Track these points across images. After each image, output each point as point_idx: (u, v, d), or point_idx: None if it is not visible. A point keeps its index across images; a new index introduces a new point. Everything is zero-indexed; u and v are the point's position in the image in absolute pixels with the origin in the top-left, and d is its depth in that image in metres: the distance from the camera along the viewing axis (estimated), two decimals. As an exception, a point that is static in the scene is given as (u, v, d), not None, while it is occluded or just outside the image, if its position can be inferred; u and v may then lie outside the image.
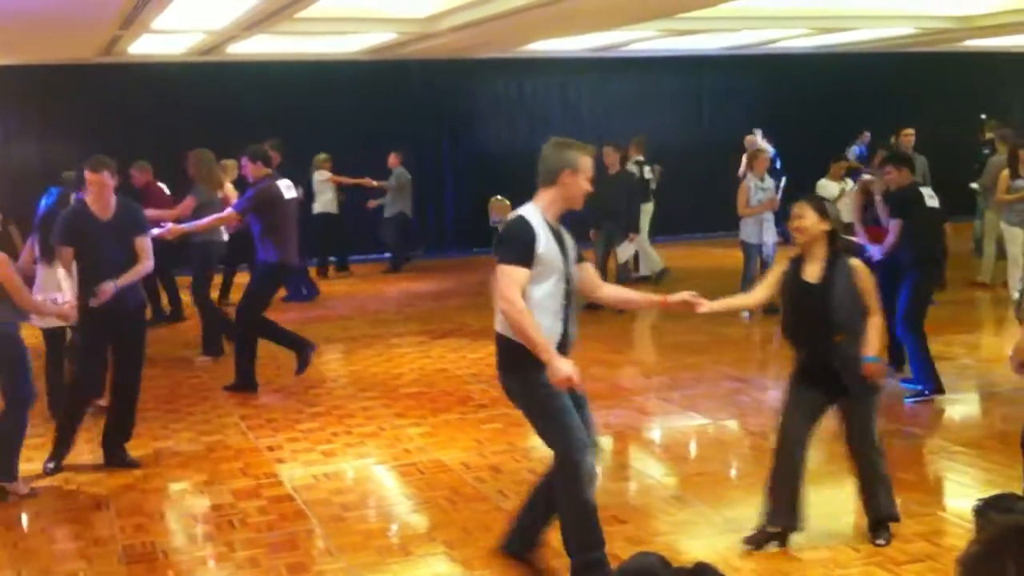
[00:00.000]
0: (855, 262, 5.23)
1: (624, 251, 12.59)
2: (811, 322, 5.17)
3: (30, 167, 16.27)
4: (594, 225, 12.45)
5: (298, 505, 6.26)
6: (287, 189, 9.10)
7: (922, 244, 8.07)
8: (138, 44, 14.18)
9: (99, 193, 6.79)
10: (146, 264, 6.95)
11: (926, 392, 7.96)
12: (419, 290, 14.31)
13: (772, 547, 5.33)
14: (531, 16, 12.45)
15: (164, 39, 13.98)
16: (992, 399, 8.29)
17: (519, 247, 4.58)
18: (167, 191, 11.86)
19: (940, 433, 7.37)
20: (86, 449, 7.43)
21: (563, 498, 4.79)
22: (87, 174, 6.82)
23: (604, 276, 11.67)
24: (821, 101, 19.06)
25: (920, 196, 8.20)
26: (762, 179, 11.54)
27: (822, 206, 5.23)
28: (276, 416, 8.16)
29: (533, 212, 4.72)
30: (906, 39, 17.27)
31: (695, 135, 18.92)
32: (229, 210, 9.39)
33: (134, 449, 7.27)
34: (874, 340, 5.19)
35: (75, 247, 6.80)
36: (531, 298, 4.57)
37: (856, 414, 5.35)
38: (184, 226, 9.27)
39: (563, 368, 4.53)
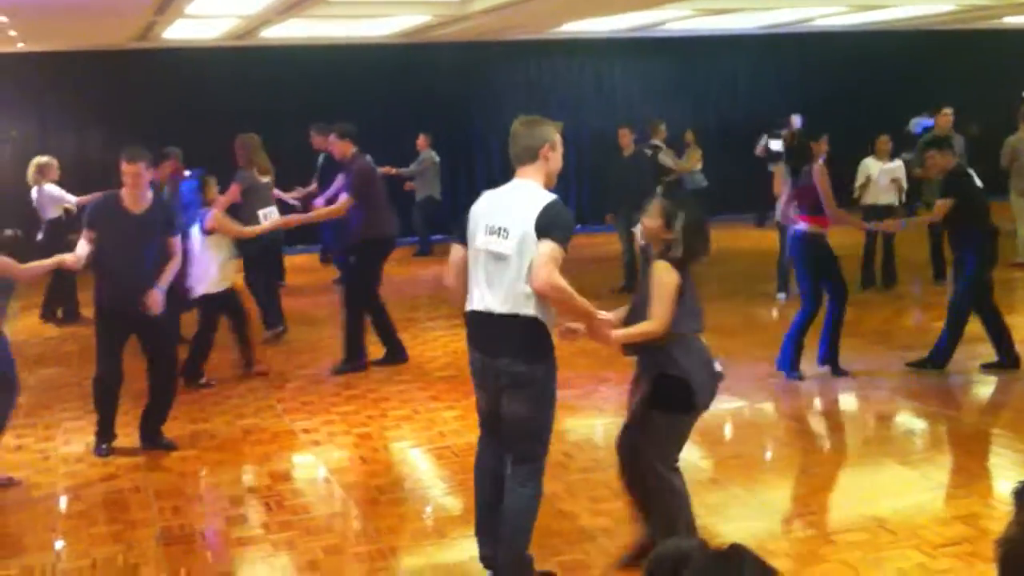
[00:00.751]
0: (657, 263, 4.72)
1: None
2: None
3: (66, 153, 16.38)
4: (612, 208, 12.41)
5: (334, 487, 6.30)
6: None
7: (979, 223, 8.02)
8: (173, 29, 14.26)
9: (134, 184, 6.82)
10: (176, 261, 6.99)
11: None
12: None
13: (805, 529, 5.31)
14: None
15: (199, 24, 14.04)
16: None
17: (570, 231, 4.50)
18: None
19: (977, 415, 7.30)
20: (122, 433, 7.50)
21: (532, 492, 4.67)
22: (123, 164, 6.82)
23: (633, 258, 11.66)
24: (858, 80, 18.86)
25: (969, 175, 8.16)
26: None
27: (673, 212, 4.72)
28: (312, 399, 8.21)
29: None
30: (945, 16, 17.04)
31: (731, 117, 18.77)
32: (343, 196, 9.14)
33: (170, 431, 7.34)
34: (629, 332, 4.79)
35: (98, 234, 6.80)
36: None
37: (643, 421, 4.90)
38: (300, 216, 9.51)
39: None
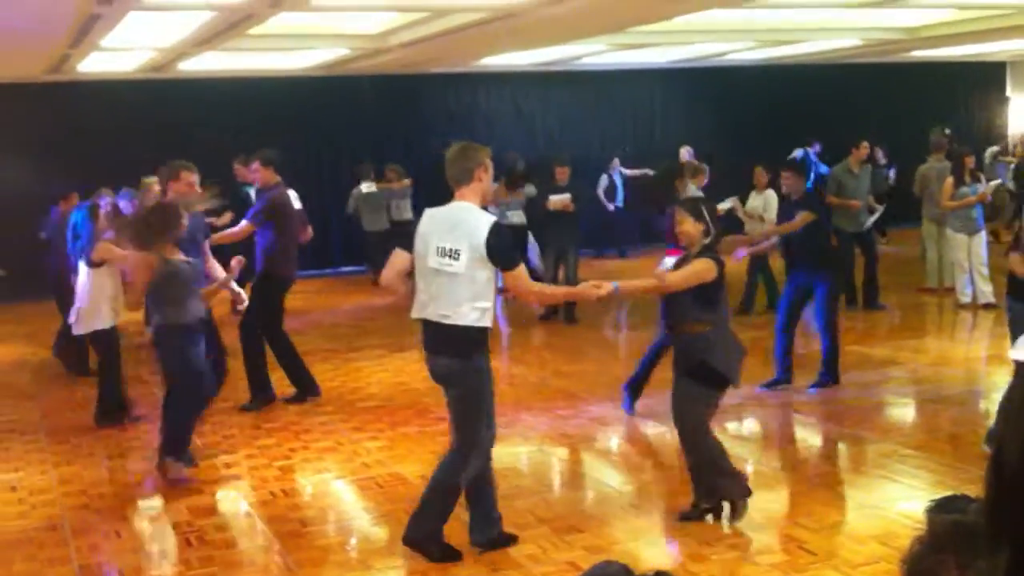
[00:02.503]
0: (699, 258, 5.59)
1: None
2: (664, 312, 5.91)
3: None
4: (543, 240, 12.54)
5: (255, 521, 6.24)
6: (294, 199, 9.07)
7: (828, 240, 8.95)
8: (88, 62, 14.07)
9: (188, 195, 6.95)
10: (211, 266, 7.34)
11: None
12: (375, 304, 14.27)
13: (727, 552, 5.40)
14: (481, 32, 12.50)
15: (114, 57, 13.88)
16: (941, 402, 8.42)
17: (515, 248, 5.40)
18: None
19: (891, 436, 7.47)
20: (37, 470, 7.36)
21: (451, 478, 5.31)
22: (185, 175, 7.04)
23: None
24: (772, 112, 19.29)
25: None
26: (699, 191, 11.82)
27: (697, 209, 5.70)
28: (232, 432, 8.11)
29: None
30: (852, 50, 17.52)
31: (648, 147, 19.06)
32: (243, 222, 8.94)
33: (86, 468, 7.23)
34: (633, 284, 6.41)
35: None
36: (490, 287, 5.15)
37: (678, 395, 5.82)
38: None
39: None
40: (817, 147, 17.25)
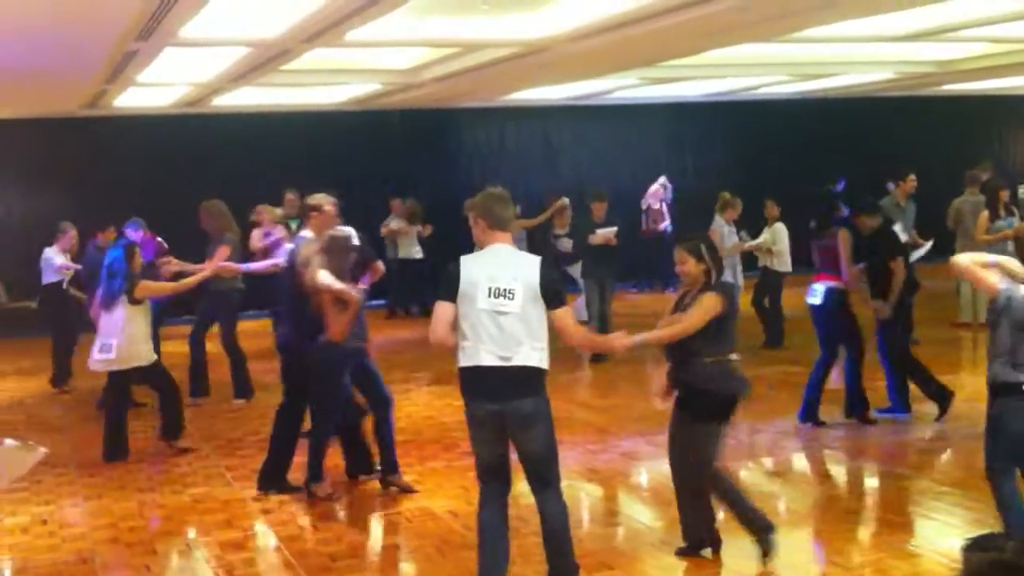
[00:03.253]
0: (705, 294, 5.60)
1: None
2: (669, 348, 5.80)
3: (13, 219, 16.29)
4: (584, 274, 12.45)
5: (285, 556, 6.22)
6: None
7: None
8: (124, 97, 14.25)
9: (327, 223, 7.20)
10: None
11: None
12: (401, 337, 14.27)
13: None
14: (512, 67, 12.58)
15: (150, 92, 14.06)
16: (977, 439, 8.24)
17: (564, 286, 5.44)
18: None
19: (926, 473, 7.37)
20: (68, 503, 7.39)
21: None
22: (329, 207, 7.26)
23: (605, 324, 11.76)
24: (804, 145, 19.24)
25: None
26: (731, 223, 11.78)
27: (698, 249, 5.66)
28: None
29: None
30: (885, 84, 17.47)
31: (679, 181, 19.02)
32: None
33: (117, 501, 7.27)
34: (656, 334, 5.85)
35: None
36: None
37: (687, 433, 5.74)
38: (241, 266, 9.46)
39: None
40: (842, 184, 17.01)
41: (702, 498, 5.78)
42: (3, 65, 11.06)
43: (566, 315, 5.16)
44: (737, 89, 17.74)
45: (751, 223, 12.39)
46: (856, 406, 8.54)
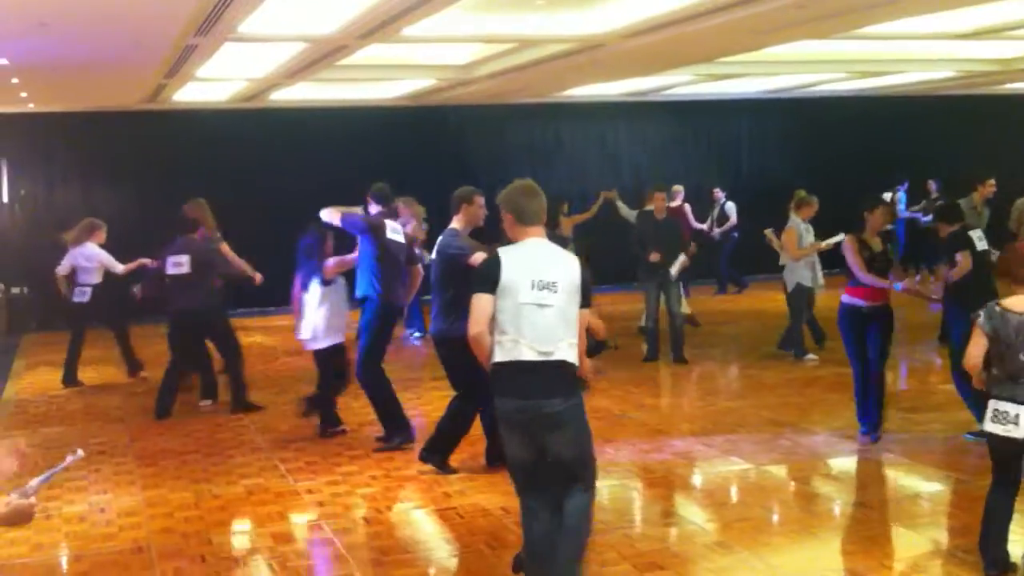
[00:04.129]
0: None
1: (683, 300, 12.15)
2: None
3: (74, 212, 16.52)
4: (643, 272, 11.94)
5: (338, 549, 6.25)
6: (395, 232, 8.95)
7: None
8: (182, 92, 14.42)
9: (477, 216, 7.49)
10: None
11: None
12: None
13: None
14: (567, 63, 12.55)
15: (208, 87, 14.21)
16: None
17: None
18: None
19: (986, 478, 7.22)
20: (125, 492, 7.49)
21: (590, 520, 5.18)
22: (479, 199, 7.46)
23: (656, 326, 11.68)
24: (861, 144, 19.01)
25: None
26: (807, 222, 11.53)
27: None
28: (316, 459, 8.17)
29: None
30: (946, 82, 17.22)
31: (734, 179, 18.88)
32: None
33: (172, 491, 7.35)
34: None
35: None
36: None
37: None
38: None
39: None
40: (905, 186, 16.82)
41: None
42: (67, 59, 11.23)
43: (589, 315, 5.15)
44: (794, 86, 17.57)
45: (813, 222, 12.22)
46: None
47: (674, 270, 11.49)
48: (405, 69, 13.91)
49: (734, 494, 7.26)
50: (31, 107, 15.53)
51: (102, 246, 11.58)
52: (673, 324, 11.63)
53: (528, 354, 4.84)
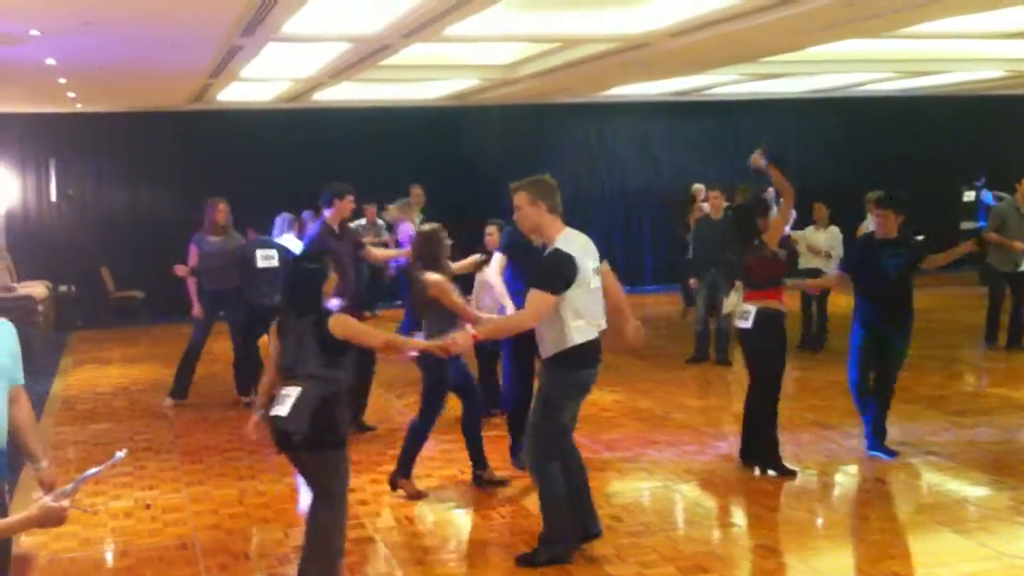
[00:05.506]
0: None
1: (730, 302, 11.99)
2: None
3: (120, 210, 16.74)
4: (694, 273, 11.89)
5: (380, 548, 6.26)
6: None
7: None
8: (227, 92, 14.53)
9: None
10: None
11: None
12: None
13: None
14: (611, 62, 12.50)
15: (252, 87, 14.30)
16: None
17: None
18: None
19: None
20: (170, 489, 7.54)
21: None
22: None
23: (706, 328, 11.60)
24: (907, 143, 18.82)
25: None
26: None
27: None
28: (359, 458, 8.17)
29: None
30: (994, 82, 16.99)
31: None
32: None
33: (217, 488, 7.40)
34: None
35: None
36: None
37: None
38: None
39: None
40: (983, 180, 16.43)
41: None
42: (113, 59, 11.35)
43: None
44: (840, 85, 17.41)
45: (849, 222, 12.10)
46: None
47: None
48: (448, 69, 13.92)
49: (779, 497, 7.20)
50: (79, 107, 15.71)
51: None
52: (719, 325, 11.55)
53: (596, 332, 5.61)
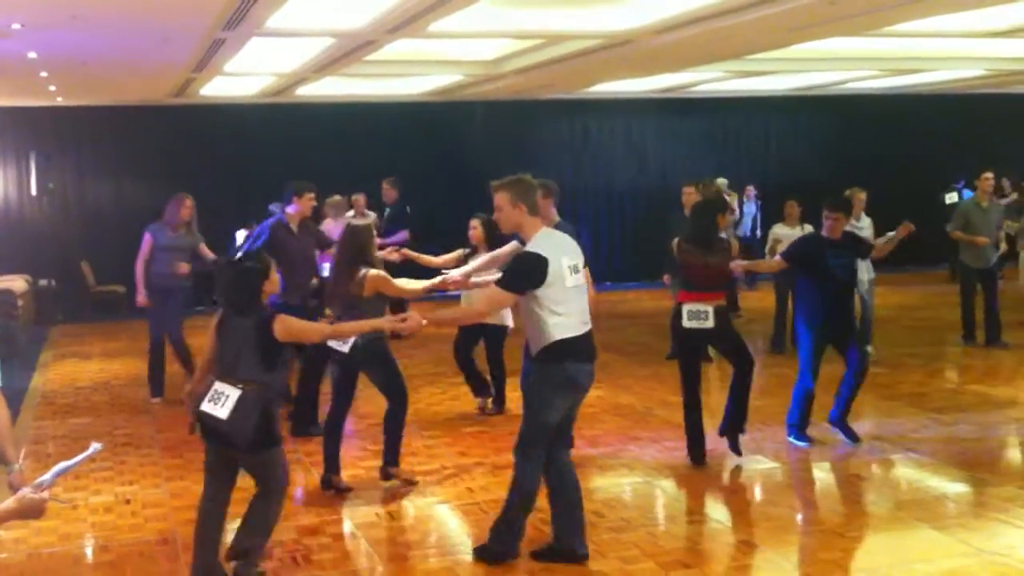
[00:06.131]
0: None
1: None
2: None
3: (104, 205, 16.67)
4: (668, 270, 11.52)
5: (361, 543, 6.26)
6: None
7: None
8: (210, 86, 14.48)
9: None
10: None
11: None
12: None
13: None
14: (596, 59, 12.52)
15: (236, 81, 14.26)
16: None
17: None
18: None
19: (1012, 480, 7.18)
20: (151, 483, 7.52)
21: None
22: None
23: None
24: (890, 141, 18.91)
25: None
26: (858, 219, 11.42)
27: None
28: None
29: None
30: (976, 80, 17.08)
31: (763, 176, 18.80)
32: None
33: (199, 483, 7.36)
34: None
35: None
36: None
37: None
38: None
39: None
40: (962, 183, 16.55)
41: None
42: (96, 53, 11.30)
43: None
44: (824, 83, 17.47)
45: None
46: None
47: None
48: (432, 65, 13.91)
49: (759, 492, 7.23)
50: (59, 101, 15.64)
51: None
52: None
53: (582, 329, 5.61)
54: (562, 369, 5.51)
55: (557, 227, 7.29)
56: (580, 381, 5.62)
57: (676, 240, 7.73)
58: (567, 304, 5.48)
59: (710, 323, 7.40)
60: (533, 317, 5.49)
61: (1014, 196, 15.56)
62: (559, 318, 5.45)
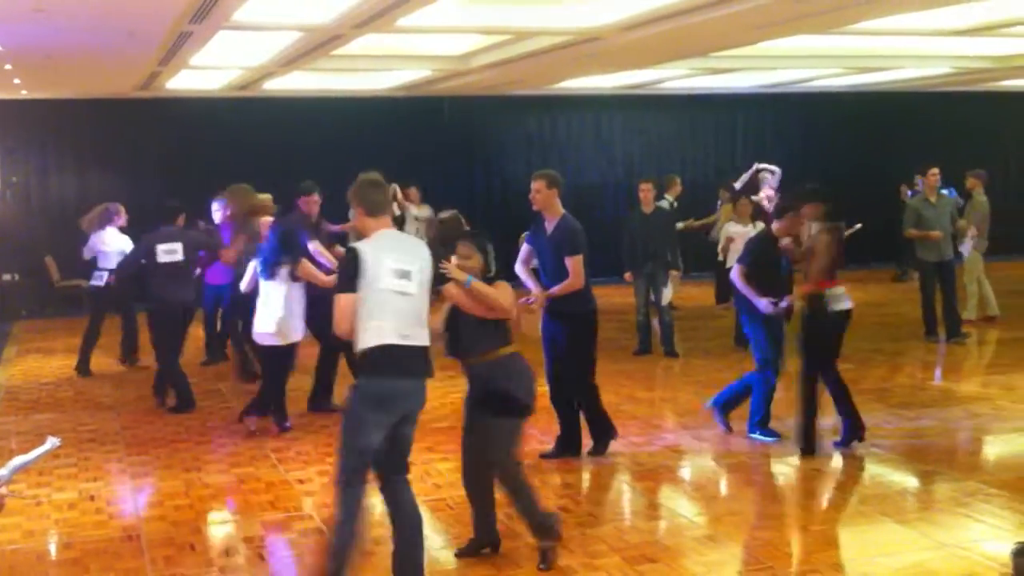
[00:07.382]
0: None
1: (668, 293, 12.03)
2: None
3: (65, 199, 16.51)
4: (631, 266, 11.79)
5: (328, 539, 6.23)
6: None
7: None
8: (176, 79, 14.37)
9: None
10: None
11: None
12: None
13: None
14: (563, 55, 12.52)
15: (202, 75, 14.16)
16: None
17: None
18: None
19: (975, 474, 7.26)
20: (115, 480, 7.47)
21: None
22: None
23: (647, 320, 11.71)
24: (856, 139, 19.04)
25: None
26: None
27: (483, 245, 5.81)
28: (307, 449, 8.16)
29: None
30: (941, 78, 17.22)
31: (729, 174, 18.84)
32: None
33: (163, 479, 7.33)
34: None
35: None
36: None
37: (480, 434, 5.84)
38: None
39: None
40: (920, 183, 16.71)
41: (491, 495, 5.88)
42: (62, 46, 11.19)
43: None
44: (790, 81, 17.57)
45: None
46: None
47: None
48: (400, 59, 13.87)
49: (724, 488, 7.27)
50: (24, 94, 15.48)
51: (122, 229, 11.48)
52: (661, 319, 11.68)
53: (398, 338, 5.05)
54: (368, 384, 5.05)
55: (561, 220, 7.36)
56: (390, 397, 5.08)
57: (821, 229, 7.79)
58: (382, 308, 4.96)
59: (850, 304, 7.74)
60: (356, 319, 5.03)
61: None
62: (373, 323, 4.96)
